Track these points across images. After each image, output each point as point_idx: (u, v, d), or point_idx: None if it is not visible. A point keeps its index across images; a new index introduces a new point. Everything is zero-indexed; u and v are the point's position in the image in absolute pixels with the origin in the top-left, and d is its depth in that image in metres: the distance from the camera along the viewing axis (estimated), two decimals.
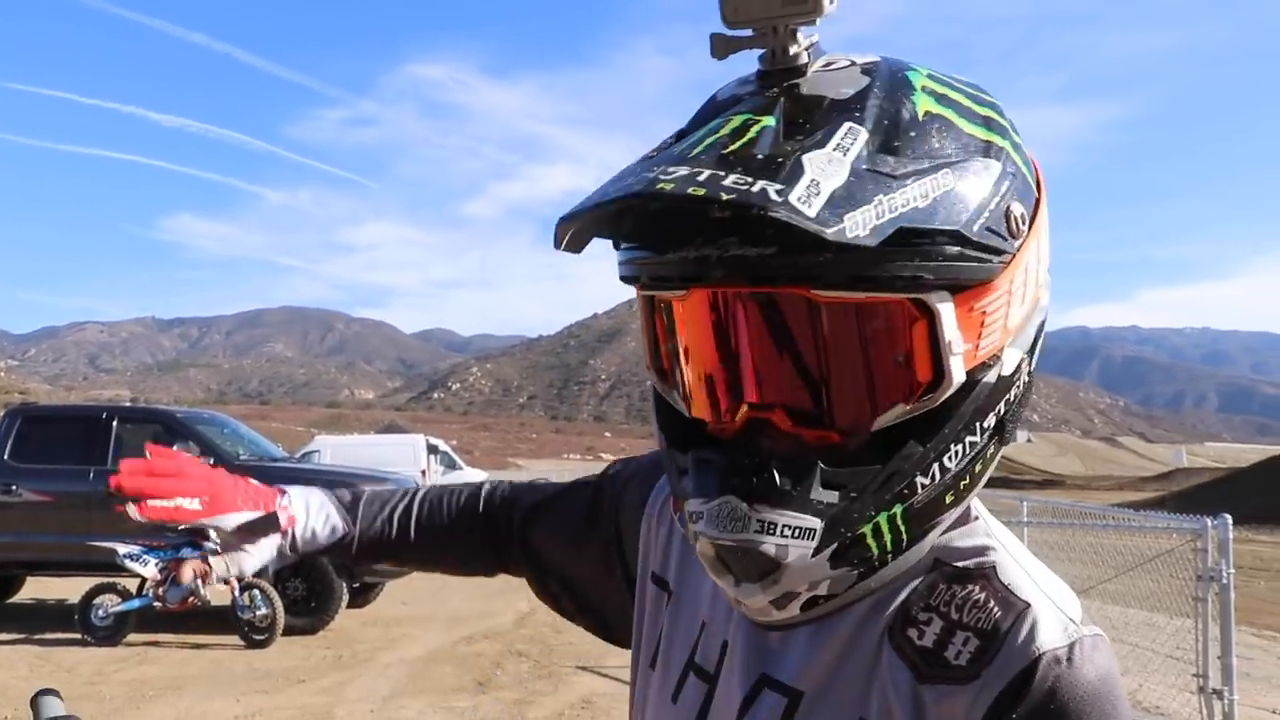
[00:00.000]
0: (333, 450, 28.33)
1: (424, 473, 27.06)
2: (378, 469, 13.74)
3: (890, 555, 0.89)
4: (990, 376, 0.89)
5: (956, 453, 0.88)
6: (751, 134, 0.82)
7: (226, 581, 10.14)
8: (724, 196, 0.74)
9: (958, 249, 0.83)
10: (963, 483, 0.91)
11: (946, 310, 0.84)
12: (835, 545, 0.85)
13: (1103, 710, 0.85)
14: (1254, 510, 30.98)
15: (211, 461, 11.04)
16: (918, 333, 0.85)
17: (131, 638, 10.23)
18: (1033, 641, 0.87)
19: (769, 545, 0.83)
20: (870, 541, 0.87)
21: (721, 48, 0.89)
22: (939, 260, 0.82)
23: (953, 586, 0.91)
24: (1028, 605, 0.89)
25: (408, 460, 26.19)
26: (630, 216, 0.86)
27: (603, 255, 0.95)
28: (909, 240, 0.79)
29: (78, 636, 10.17)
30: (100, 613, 10.20)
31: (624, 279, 0.94)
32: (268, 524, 1.30)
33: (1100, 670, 0.87)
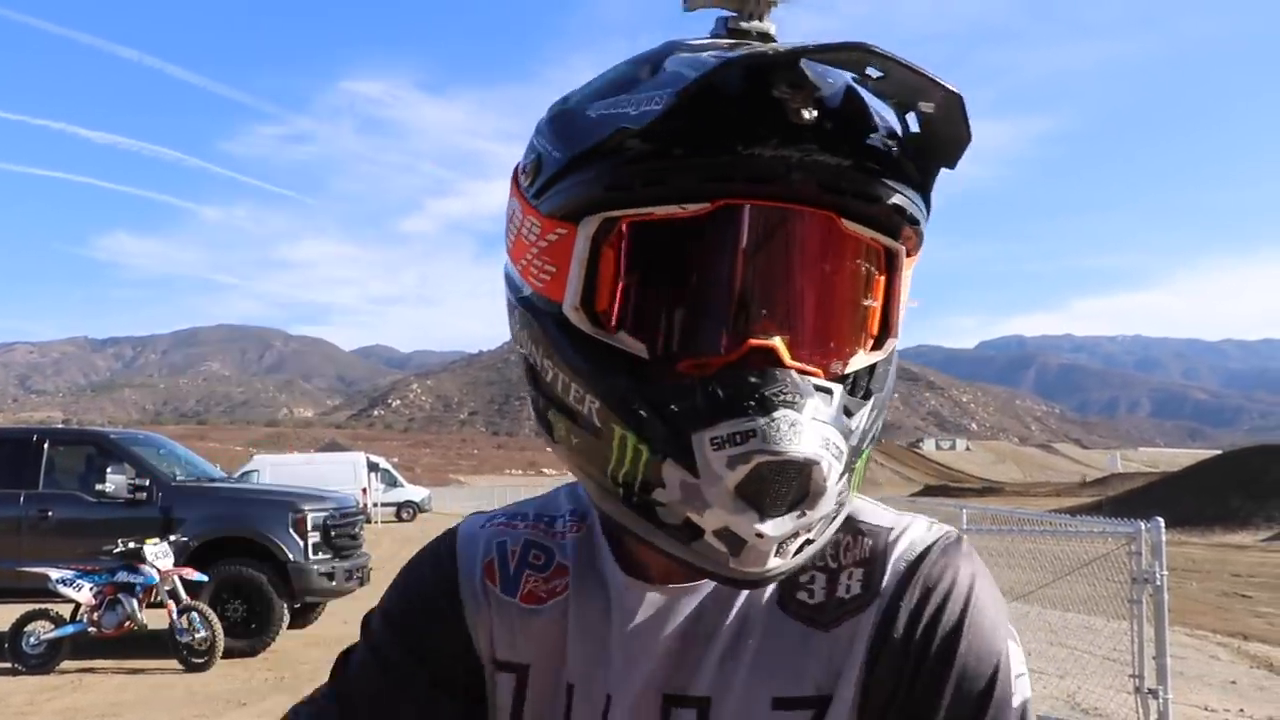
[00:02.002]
0: (272, 469, 28.00)
1: (365, 490, 26.80)
2: (318, 488, 13.57)
3: (846, 503, 0.88)
4: (899, 347, 0.95)
5: (884, 411, 0.93)
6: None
7: (163, 604, 9.97)
8: (936, 75, 0.78)
9: (927, 210, 0.89)
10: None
11: (906, 267, 0.91)
12: (847, 476, 0.85)
13: (983, 584, 0.96)
14: (1186, 513, 31.69)
15: (148, 482, 10.92)
16: (882, 285, 0.90)
17: (65, 665, 10.01)
18: (908, 544, 0.97)
19: (825, 461, 0.80)
20: (853, 481, 0.88)
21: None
22: (924, 217, 0.89)
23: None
24: (892, 526, 0.99)
25: (348, 478, 25.98)
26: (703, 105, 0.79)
27: None
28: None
29: (8, 665, 9.92)
30: (32, 640, 9.96)
31: (580, 207, 0.85)
32: None
33: (972, 552, 0.98)
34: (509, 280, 0.97)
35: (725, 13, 0.92)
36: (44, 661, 9.93)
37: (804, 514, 0.81)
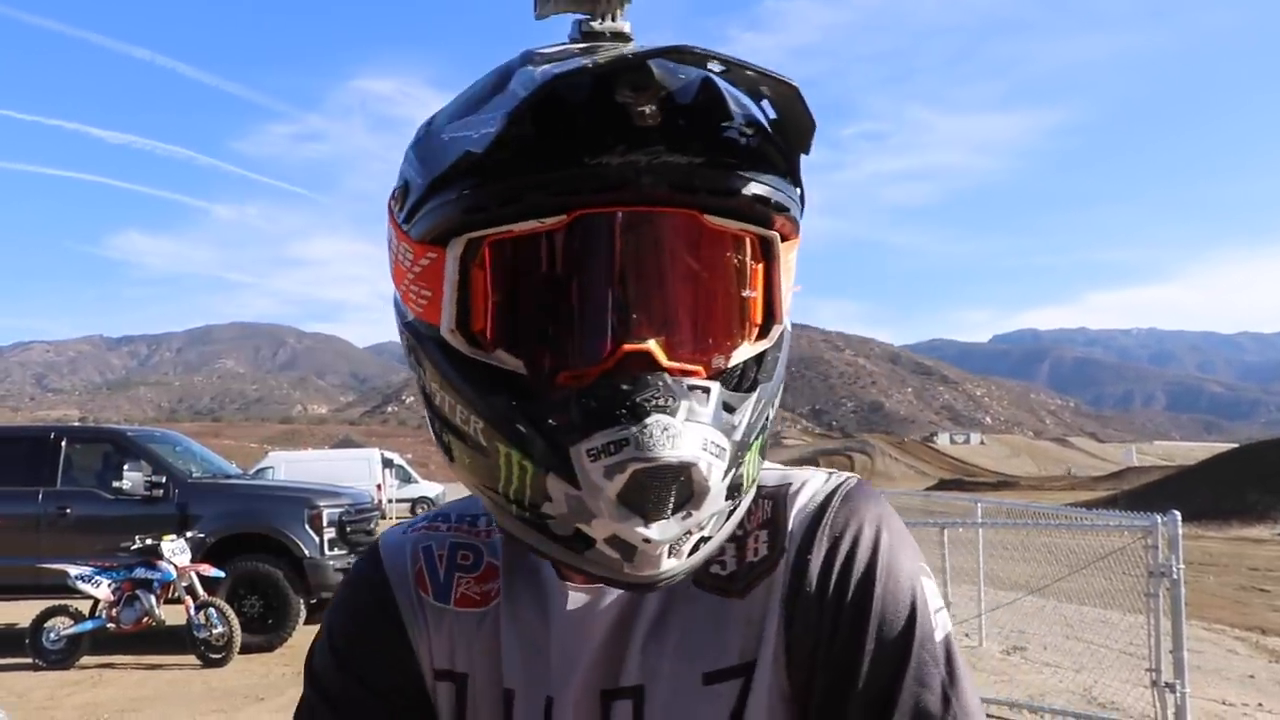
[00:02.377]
0: (286, 466, 28.09)
1: (379, 486, 26.87)
2: (333, 484, 13.62)
3: (746, 493, 0.90)
4: (789, 329, 0.96)
5: (778, 397, 0.94)
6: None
7: (181, 600, 10.03)
8: (760, 68, 0.78)
9: (799, 193, 0.90)
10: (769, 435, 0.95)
11: (784, 254, 0.92)
12: (734, 472, 0.84)
13: (890, 525, 0.98)
14: (1202, 506, 31.53)
15: (164, 480, 10.98)
16: (760, 274, 0.90)
17: (85, 661, 10.08)
18: (808, 497, 1.00)
19: (704, 463, 0.80)
20: (744, 471, 0.87)
21: (548, 6, 0.90)
22: (795, 203, 0.89)
23: None
24: (790, 482, 1.01)
25: (363, 475, 26.03)
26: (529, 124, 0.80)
27: None
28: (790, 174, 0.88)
29: (29, 661, 10.01)
30: (52, 636, 10.04)
31: (445, 230, 0.85)
32: None
33: (869, 487, 1.01)
34: (396, 306, 0.97)
35: (581, 15, 0.91)
36: (64, 657, 10.01)
37: (690, 514, 0.81)
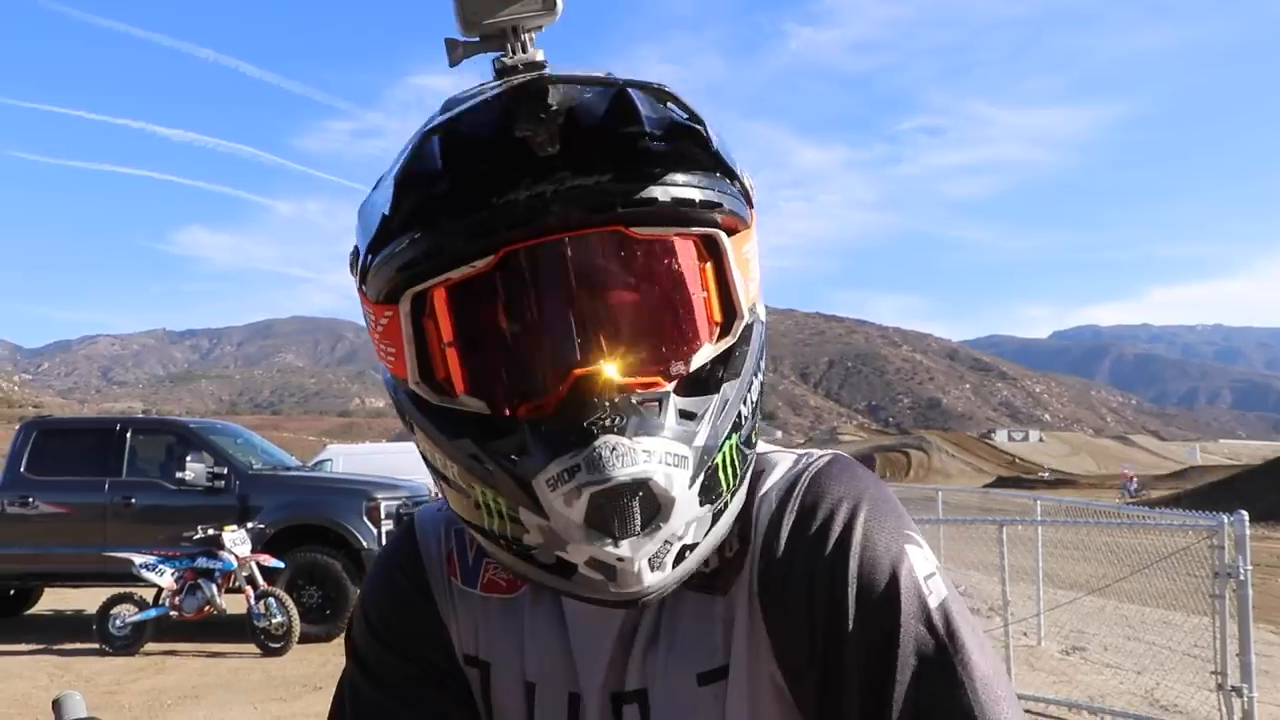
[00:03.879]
0: (345, 459, 28.33)
1: None
2: (390, 477, 13.75)
3: (731, 494, 0.89)
4: (761, 319, 0.95)
5: (756, 389, 0.93)
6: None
7: (241, 589, 10.19)
8: (622, 80, 0.81)
9: (739, 187, 0.90)
10: (758, 423, 0.94)
11: (730, 248, 0.91)
12: (703, 476, 0.84)
13: (867, 497, 0.95)
14: (1270, 507, 30.80)
15: (226, 471, 11.17)
16: (709, 272, 0.90)
17: (149, 647, 10.29)
18: (770, 484, 0.97)
19: (659, 474, 0.80)
20: (722, 475, 0.87)
21: (458, 52, 0.89)
22: (731, 195, 0.89)
23: None
24: (761, 470, 1.00)
25: (419, 468, 26.10)
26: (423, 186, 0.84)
27: None
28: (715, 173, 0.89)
29: (96, 646, 10.24)
30: (118, 623, 10.26)
31: (391, 289, 0.88)
32: None
33: (845, 462, 0.99)
34: (380, 366, 0.98)
35: (495, 54, 0.90)
36: (129, 643, 10.22)
37: (659, 527, 0.82)
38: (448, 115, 0.82)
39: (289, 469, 13.39)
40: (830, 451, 1.02)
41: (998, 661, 0.89)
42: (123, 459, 11.78)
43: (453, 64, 0.89)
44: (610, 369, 0.83)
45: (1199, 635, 8.00)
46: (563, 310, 0.84)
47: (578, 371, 0.83)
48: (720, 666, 0.94)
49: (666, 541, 0.83)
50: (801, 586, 0.91)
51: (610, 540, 0.81)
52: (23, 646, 10.64)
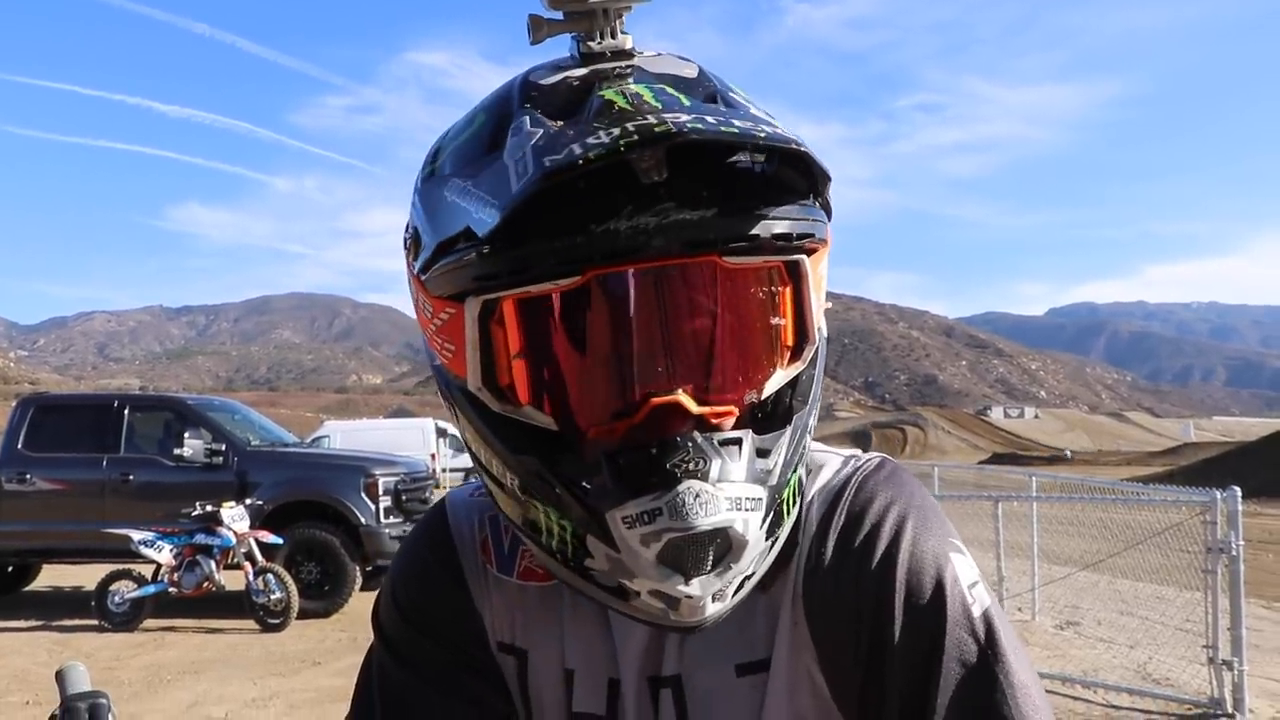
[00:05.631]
0: (342, 435, 28.42)
1: (434, 456, 27.15)
2: (388, 453, 13.78)
3: (788, 520, 0.89)
4: (824, 336, 0.94)
5: (817, 414, 0.93)
6: (652, 97, 0.80)
7: (240, 566, 10.22)
8: (761, 133, 0.76)
9: (823, 203, 0.88)
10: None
11: (813, 267, 0.88)
12: (772, 515, 0.84)
13: (912, 505, 0.94)
14: (1262, 484, 30.90)
15: (224, 447, 11.18)
16: (787, 297, 0.87)
17: (148, 623, 10.31)
18: (818, 487, 0.97)
19: (739, 522, 0.79)
20: (785, 506, 0.87)
21: (541, 30, 0.86)
22: (820, 221, 0.87)
23: None
24: (807, 469, 0.96)
25: (417, 444, 26.28)
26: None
27: None
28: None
29: (95, 622, 10.26)
30: (116, 599, 10.28)
31: (460, 292, 0.84)
32: None
33: (892, 467, 0.98)
34: (426, 350, 0.96)
35: (579, 34, 0.88)
36: (128, 619, 10.24)
37: (729, 568, 0.81)
38: (552, 163, 0.75)
39: (287, 445, 13.39)
40: (877, 455, 1.01)
41: (1034, 670, 0.90)
42: (121, 435, 11.77)
43: (534, 42, 0.87)
44: (687, 398, 0.82)
45: (1191, 610, 8.07)
46: (644, 334, 0.82)
47: (656, 401, 0.82)
48: (760, 659, 0.94)
49: (731, 580, 0.82)
50: (848, 590, 0.91)
51: (681, 579, 0.80)
52: (21, 623, 10.67)
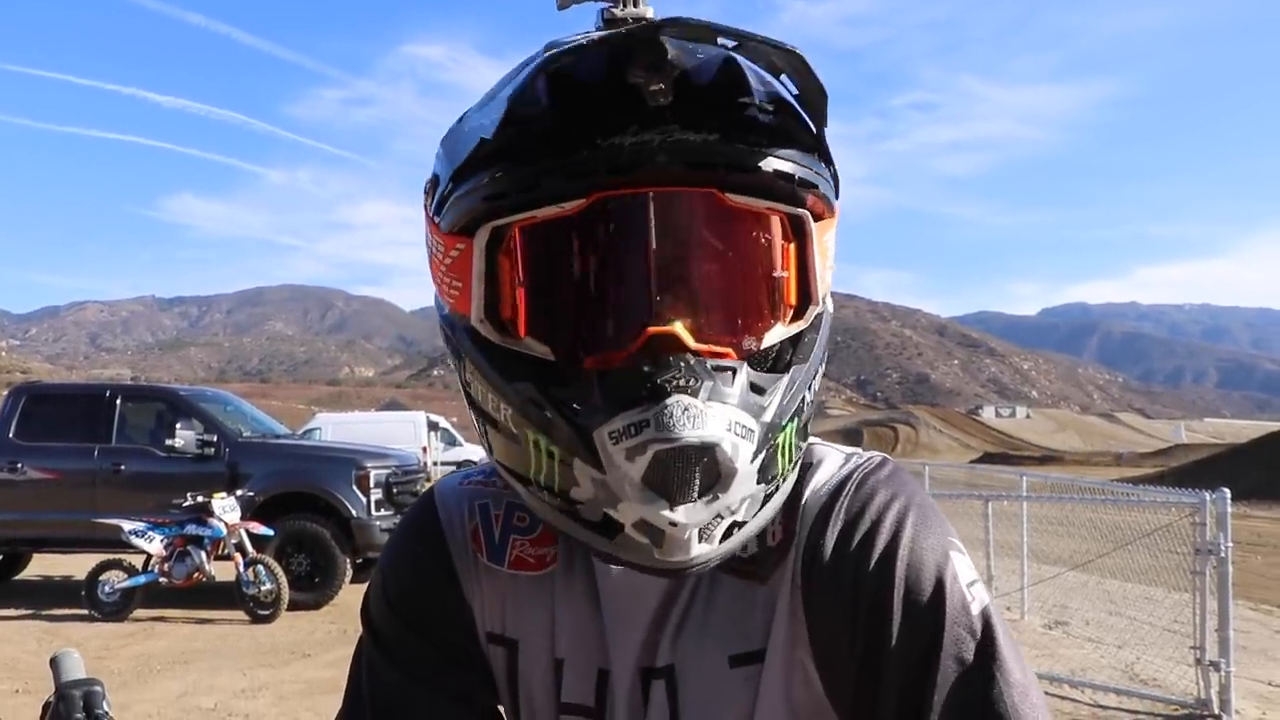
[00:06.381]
0: (334, 428, 28.37)
1: (425, 449, 27.13)
2: (380, 446, 13.77)
3: (783, 478, 0.88)
4: (829, 311, 0.94)
5: (818, 380, 0.93)
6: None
7: (230, 557, 10.22)
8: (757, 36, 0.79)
9: (831, 173, 0.89)
10: (813, 415, 0.94)
11: (815, 233, 0.89)
12: (764, 453, 0.83)
13: (912, 503, 0.94)
14: (1252, 486, 31.00)
15: (215, 438, 11.17)
16: (791, 253, 0.88)
17: (138, 613, 10.31)
18: (820, 481, 0.97)
19: (727, 443, 0.79)
20: (780, 456, 0.86)
21: None
22: (825, 180, 0.88)
23: None
24: (809, 463, 0.98)
25: (409, 437, 26.23)
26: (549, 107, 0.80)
27: None
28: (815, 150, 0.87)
29: (85, 612, 10.26)
30: (106, 589, 10.27)
31: (470, 220, 0.86)
32: None
33: (892, 466, 0.99)
34: (436, 302, 0.97)
35: (604, 4, 0.90)
36: (118, 609, 10.24)
37: (716, 497, 0.80)
38: (559, 50, 0.80)
39: (278, 437, 13.38)
40: (878, 454, 1.01)
41: (1030, 670, 0.90)
42: (112, 425, 11.75)
43: (561, 7, 0.89)
44: (684, 331, 0.82)
45: (1179, 611, 8.10)
46: (644, 265, 0.83)
47: (652, 330, 0.81)
48: (755, 650, 0.94)
49: (719, 514, 0.81)
50: (847, 585, 0.91)
51: (665, 504, 0.79)
52: (11, 612, 10.66)
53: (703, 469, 0.79)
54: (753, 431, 0.81)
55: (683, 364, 0.80)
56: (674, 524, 0.79)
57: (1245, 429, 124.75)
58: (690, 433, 0.78)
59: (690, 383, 0.79)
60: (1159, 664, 7.97)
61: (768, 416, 0.84)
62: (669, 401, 0.78)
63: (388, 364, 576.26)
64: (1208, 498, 7.16)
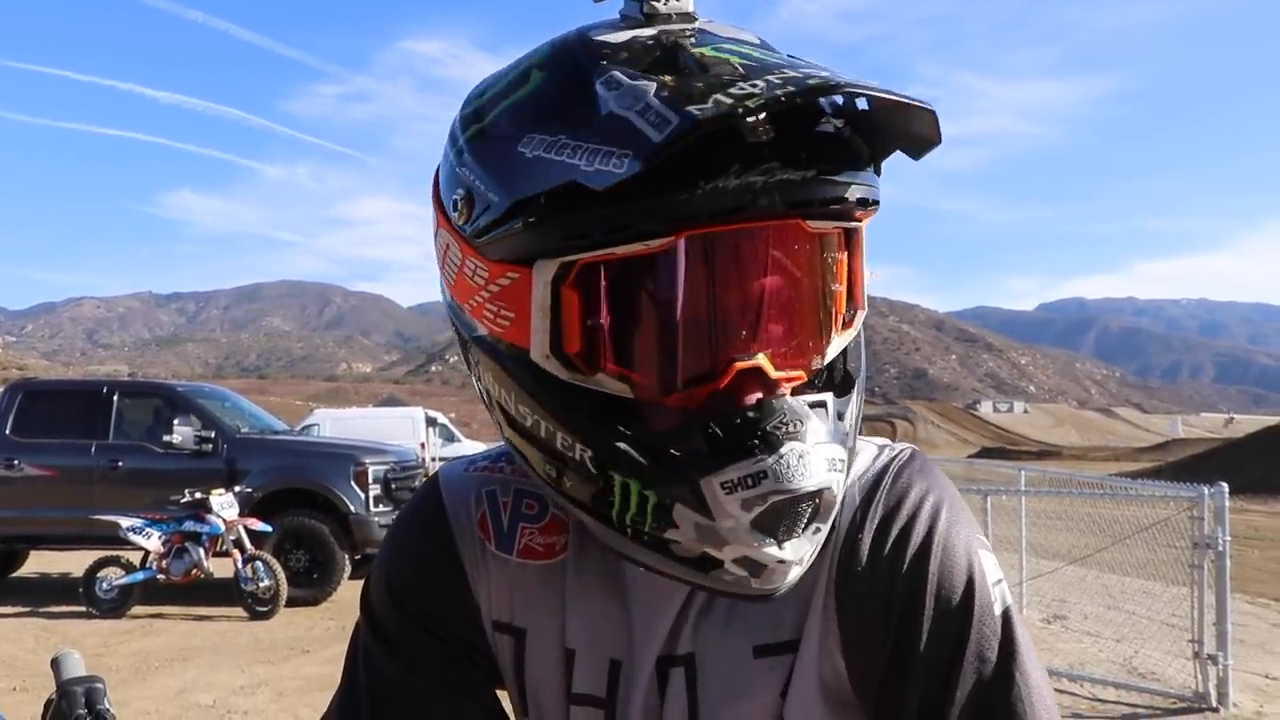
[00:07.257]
0: (331, 423, 28.35)
1: (423, 445, 27.12)
2: (378, 441, 13.77)
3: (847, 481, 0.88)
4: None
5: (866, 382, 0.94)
6: (751, 52, 0.79)
7: (229, 553, 10.21)
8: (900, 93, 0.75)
9: (876, 171, 0.87)
10: None
11: (863, 237, 0.88)
12: (846, 477, 0.84)
13: (944, 498, 0.95)
14: (1249, 480, 31.04)
15: (213, 435, 11.16)
16: (844, 264, 0.86)
17: (136, 610, 10.30)
18: (860, 469, 0.96)
19: (835, 484, 0.80)
20: (847, 472, 0.86)
21: None
22: (876, 186, 0.86)
23: None
24: None
25: (406, 433, 26.21)
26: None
27: None
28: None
29: (83, 609, 10.24)
30: (104, 586, 10.26)
31: (534, 253, 0.80)
32: None
33: (924, 459, 0.99)
34: (456, 315, 0.92)
35: None
36: (116, 606, 10.23)
37: (819, 530, 0.82)
38: (699, 112, 0.71)
39: (276, 433, 13.36)
40: (907, 445, 1.02)
41: (1044, 670, 0.91)
42: (110, 422, 11.72)
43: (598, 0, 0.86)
44: (767, 363, 0.81)
45: (1177, 605, 8.11)
46: (728, 297, 0.80)
47: (739, 365, 0.80)
48: (784, 641, 0.93)
49: (819, 544, 0.83)
50: (882, 578, 0.91)
51: (774, 543, 0.79)
52: (9, 609, 10.64)
53: (811, 509, 0.80)
54: (845, 462, 0.82)
55: (786, 408, 0.78)
56: (781, 560, 0.80)
57: (1242, 423, 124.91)
58: (808, 482, 0.77)
59: (797, 427, 0.78)
60: (1157, 657, 7.99)
61: (850, 443, 0.85)
62: (784, 451, 0.77)
63: (385, 360, 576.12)
64: (1206, 492, 7.17)
